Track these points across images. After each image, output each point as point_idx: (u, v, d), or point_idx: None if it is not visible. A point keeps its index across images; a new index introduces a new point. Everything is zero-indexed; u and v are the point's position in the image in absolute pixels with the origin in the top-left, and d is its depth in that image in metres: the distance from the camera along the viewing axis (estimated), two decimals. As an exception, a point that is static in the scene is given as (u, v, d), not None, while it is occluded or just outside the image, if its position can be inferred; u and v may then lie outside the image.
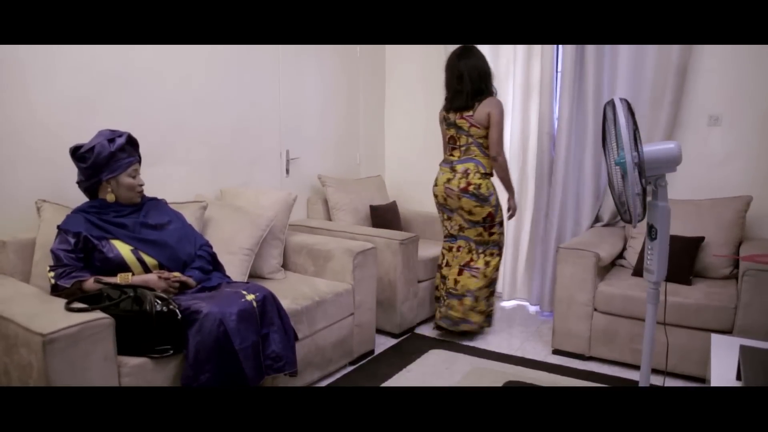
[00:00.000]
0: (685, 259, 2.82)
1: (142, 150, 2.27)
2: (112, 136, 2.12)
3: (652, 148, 2.02)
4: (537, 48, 3.59)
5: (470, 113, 3.01)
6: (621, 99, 1.99)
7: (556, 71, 3.52)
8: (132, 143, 2.20)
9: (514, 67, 3.74)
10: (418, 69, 4.25)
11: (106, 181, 2.14)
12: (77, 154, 2.12)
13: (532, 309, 3.80)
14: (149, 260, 2.15)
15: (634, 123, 1.97)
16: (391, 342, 3.19)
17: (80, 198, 2.23)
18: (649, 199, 2.13)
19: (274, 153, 3.53)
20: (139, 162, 2.23)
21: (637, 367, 2.66)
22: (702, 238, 2.89)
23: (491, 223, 3.09)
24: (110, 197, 2.16)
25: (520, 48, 3.67)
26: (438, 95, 3.95)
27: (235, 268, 2.58)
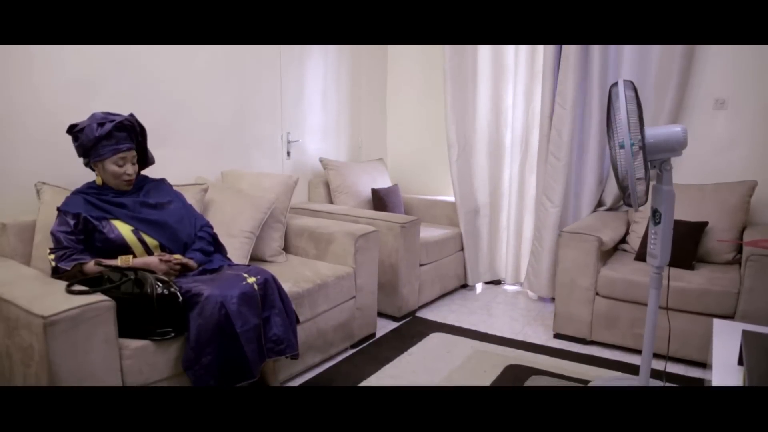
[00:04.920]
0: (688, 244, 2.80)
1: (141, 132, 2.24)
2: (103, 120, 2.07)
3: (658, 131, 2.00)
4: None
5: None
6: (625, 81, 1.96)
7: (560, 54, 3.46)
8: (124, 130, 2.11)
9: (517, 50, 3.70)
10: (420, 53, 4.21)
11: (93, 163, 2.12)
12: (72, 132, 2.10)
13: (534, 293, 3.79)
14: (150, 241, 2.14)
15: (638, 105, 1.94)
16: (393, 325, 3.20)
17: (80, 180, 2.22)
18: (653, 183, 2.11)
19: (275, 136, 3.51)
20: (133, 149, 2.14)
21: (638, 352, 2.66)
22: (705, 223, 2.87)
23: None
24: (98, 180, 2.15)
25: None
26: (439, 78, 3.92)
27: (236, 250, 2.57)
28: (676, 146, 2.00)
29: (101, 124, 2.06)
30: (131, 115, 2.17)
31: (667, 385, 2.36)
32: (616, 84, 2.02)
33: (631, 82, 1.96)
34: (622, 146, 1.99)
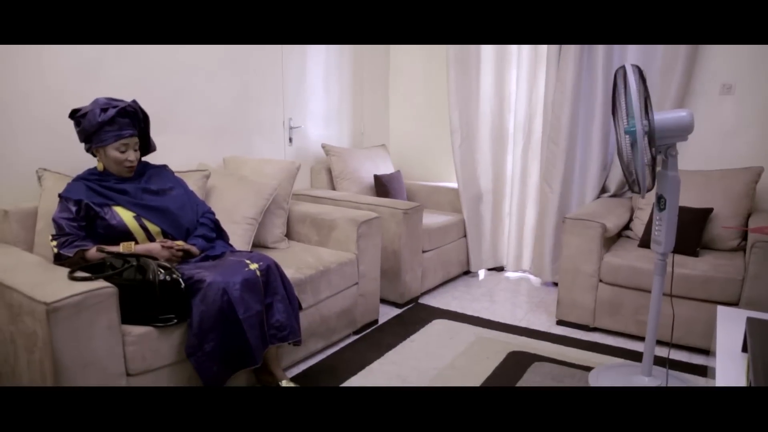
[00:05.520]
0: (692, 231, 2.79)
1: (143, 118, 2.23)
2: (106, 105, 2.06)
3: (664, 116, 1.98)
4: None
5: None
6: (633, 65, 1.94)
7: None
8: (127, 115, 2.09)
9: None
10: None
11: (95, 149, 2.11)
12: (74, 117, 2.09)
13: (537, 280, 3.79)
14: (152, 227, 2.13)
15: (646, 90, 1.92)
16: (395, 312, 3.20)
17: (81, 166, 2.21)
18: (658, 168, 2.09)
19: (277, 121, 3.49)
20: (135, 136, 2.13)
21: (641, 339, 2.66)
22: (710, 210, 2.86)
23: None
24: (99, 166, 2.14)
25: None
26: (442, 64, 3.88)
27: (238, 237, 2.57)
28: (683, 131, 1.98)
29: (104, 110, 2.05)
30: (134, 101, 2.15)
31: (671, 371, 2.36)
32: (621, 69, 2.00)
33: (638, 67, 1.94)
34: (627, 131, 1.97)
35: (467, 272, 3.92)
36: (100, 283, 1.73)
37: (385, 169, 3.92)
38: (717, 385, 1.58)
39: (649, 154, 1.92)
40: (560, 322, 3.04)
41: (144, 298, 1.85)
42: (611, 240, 3.05)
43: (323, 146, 3.71)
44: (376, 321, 3.03)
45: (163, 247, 2.09)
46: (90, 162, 2.20)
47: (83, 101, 2.14)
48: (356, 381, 2.40)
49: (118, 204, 2.10)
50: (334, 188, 3.70)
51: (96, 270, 1.86)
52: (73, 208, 2.02)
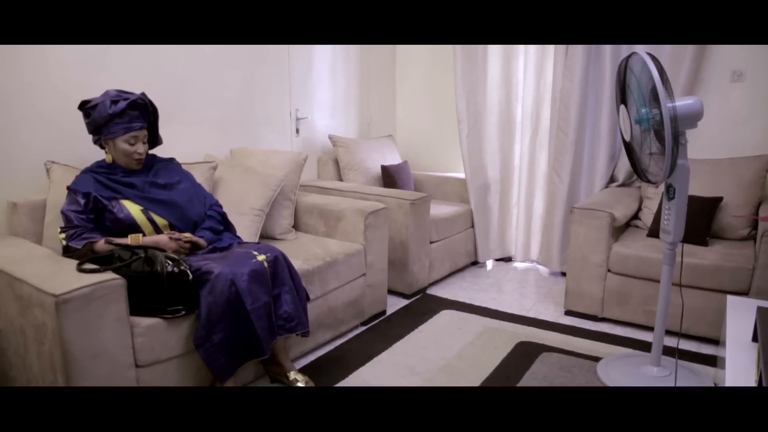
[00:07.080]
0: (702, 220, 2.76)
1: (149, 110, 2.22)
2: (117, 97, 2.07)
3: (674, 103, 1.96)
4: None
5: None
6: (647, 53, 1.92)
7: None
8: (137, 108, 2.10)
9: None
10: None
11: (104, 141, 2.11)
12: (84, 108, 2.10)
13: (545, 270, 3.78)
14: (159, 220, 2.14)
15: (662, 77, 1.90)
16: (403, 302, 3.20)
17: (89, 158, 2.21)
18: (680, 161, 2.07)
19: (284, 112, 3.48)
20: (144, 128, 2.14)
21: (650, 329, 2.64)
22: (720, 198, 2.83)
23: None
24: (108, 158, 2.14)
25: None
26: (449, 53, 3.85)
27: (245, 228, 2.57)
28: (693, 118, 1.96)
29: (115, 102, 2.05)
30: (143, 93, 2.15)
31: (680, 361, 2.35)
32: (632, 56, 1.98)
33: (651, 54, 1.92)
34: (637, 121, 1.95)
35: (475, 263, 3.91)
36: (109, 275, 1.74)
37: (392, 159, 3.91)
38: (727, 374, 1.57)
39: (658, 143, 1.90)
40: (568, 312, 3.03)
41: (152, 289, 1.86)
42: (620, 230, 3.03)
43: (330, 137, 3.70)
44: (384, 312, 3.03)
45: (170, 238, 2.10)
46: (96, 155, 2.21)
47: (88, 93, 2.14)
48: (364, 372, 2.41)
49: (126, 197, 2.11)
50: (341, 179, 3.70)
51: (104, 262, 1.87)
52: (82, 201, 2.03)
